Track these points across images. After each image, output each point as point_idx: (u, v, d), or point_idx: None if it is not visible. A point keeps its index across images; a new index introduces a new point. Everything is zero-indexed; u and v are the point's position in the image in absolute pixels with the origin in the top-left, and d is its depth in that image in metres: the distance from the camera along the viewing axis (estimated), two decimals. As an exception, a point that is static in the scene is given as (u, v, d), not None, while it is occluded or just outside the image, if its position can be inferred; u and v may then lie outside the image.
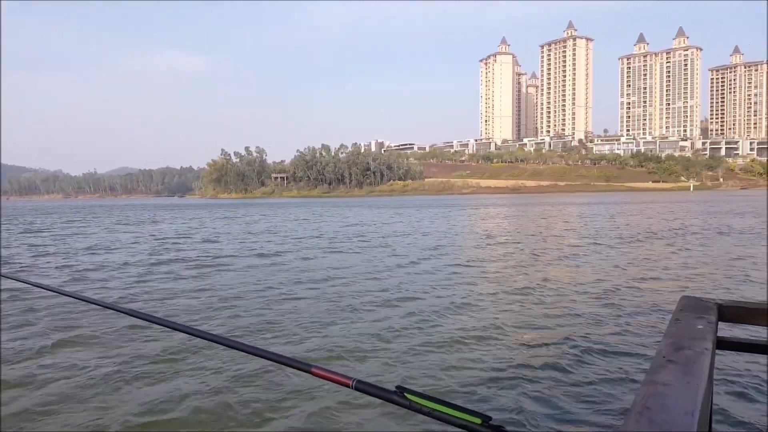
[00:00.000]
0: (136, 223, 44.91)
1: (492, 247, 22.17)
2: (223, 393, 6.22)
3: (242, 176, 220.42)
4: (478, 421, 0.70)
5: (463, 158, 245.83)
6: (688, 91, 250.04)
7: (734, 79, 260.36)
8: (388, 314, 10.22)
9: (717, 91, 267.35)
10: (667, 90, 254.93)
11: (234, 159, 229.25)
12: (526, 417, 5.65)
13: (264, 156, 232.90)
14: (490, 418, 0.71)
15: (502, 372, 7.06)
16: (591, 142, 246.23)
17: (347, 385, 0.86)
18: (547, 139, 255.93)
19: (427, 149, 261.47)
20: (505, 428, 0.68)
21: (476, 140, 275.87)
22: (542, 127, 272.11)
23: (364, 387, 0.84)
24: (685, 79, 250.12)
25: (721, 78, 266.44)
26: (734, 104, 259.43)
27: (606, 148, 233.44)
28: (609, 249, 20.68)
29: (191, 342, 7.87)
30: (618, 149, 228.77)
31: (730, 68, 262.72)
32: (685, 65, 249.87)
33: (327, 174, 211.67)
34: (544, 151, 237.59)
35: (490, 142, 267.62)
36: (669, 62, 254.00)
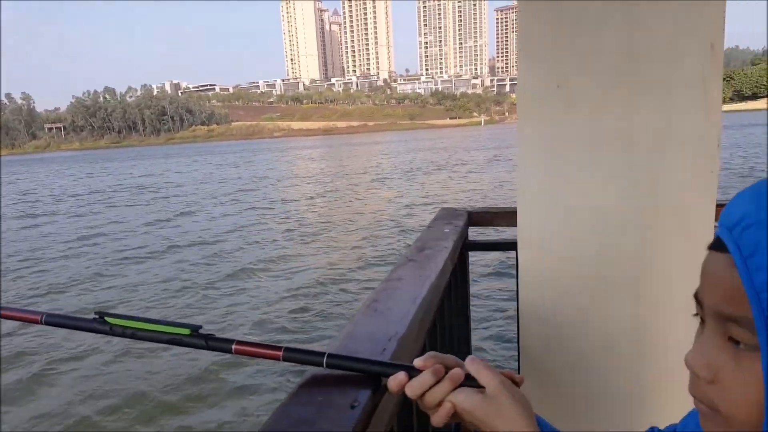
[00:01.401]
0: None
1: (286, 189, 23.50)
2: None
3: (6, 129, 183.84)
4: (186, 331, 0.67)
5: (271, 100, 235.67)
6: (478, 31, 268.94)
7: (516, 19, 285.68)
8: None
9: (502, 31, 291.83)
10: (459, 30, 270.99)
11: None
12: (251, 328, 6.49)
13: (32, 104, 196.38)
14: (199, 327, 0.68)
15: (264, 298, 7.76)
16: (395, 81, 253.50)
17: (37, 322, 0.75)
18: (354, 78, 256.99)
19: (231, 90, 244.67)
20: (215, 335, 0.67)
21: (283, 80, 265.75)
22: (348, 67, 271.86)
23: (57, 320, 0.74)
24: (475, 19, 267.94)
25: (505, 18, 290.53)
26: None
27: (408, 88, 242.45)
28: (397, 181, 23.60)
29: None
30: (419, 88, 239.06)
31: (513, 9, 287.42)
32: (475, 6, 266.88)
33: (115, 121, 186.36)
34: (352, 91, 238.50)
35: (298, 83, 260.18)
36: (460, 3, 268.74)
